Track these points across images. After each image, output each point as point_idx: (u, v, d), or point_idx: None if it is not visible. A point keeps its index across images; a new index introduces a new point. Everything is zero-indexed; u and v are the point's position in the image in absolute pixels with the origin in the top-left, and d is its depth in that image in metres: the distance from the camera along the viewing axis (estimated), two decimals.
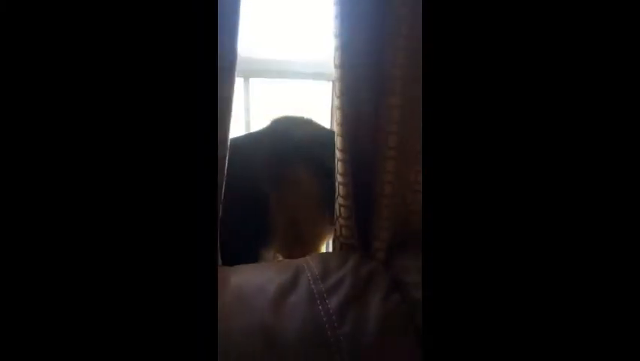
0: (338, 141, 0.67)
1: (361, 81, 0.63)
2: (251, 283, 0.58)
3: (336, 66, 0.63)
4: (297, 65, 1.00)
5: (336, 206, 0.74)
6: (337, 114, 0.65)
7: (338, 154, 0.68)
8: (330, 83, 1.10)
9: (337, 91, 0.64)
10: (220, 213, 0.63)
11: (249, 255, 0.79)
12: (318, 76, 1.06)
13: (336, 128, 0.67)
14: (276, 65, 0.97)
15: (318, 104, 1.05)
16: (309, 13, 1.08)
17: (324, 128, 0.89)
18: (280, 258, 0.83)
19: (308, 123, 0.86)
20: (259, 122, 1.00)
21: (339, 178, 0.71)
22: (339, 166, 0.69)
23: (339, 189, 0.71)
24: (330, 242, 1.13)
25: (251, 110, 0.94)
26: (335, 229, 0.78)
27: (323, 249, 0.91)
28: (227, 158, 0.62)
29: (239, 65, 0.60)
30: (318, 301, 0.56)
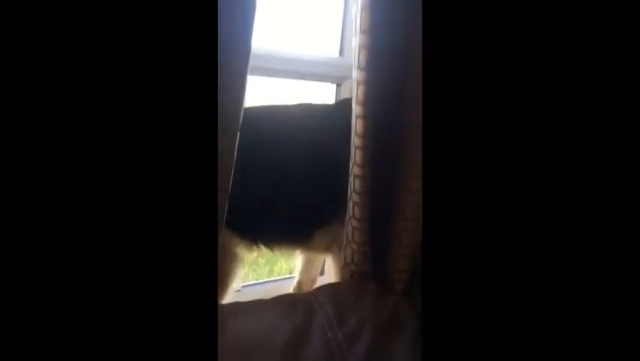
0: (357, 155, 0.57)
1: (390, 86, 0.53)
2: (253, 333, 0.47)
3: (359, 67, 0.53)
4: (298, 64, 0.89)
5: (348, 228, 0.64)
6: (359, 124, 0.55)
7: (356, 170, 0.58)
8: (335, 85, 1.01)
9: (360, 96, 0.54)
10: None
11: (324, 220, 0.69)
12: (320, 77, 0.96)
13: (355, 141, 0.57)
14: (278, 62, 0.86)
15: None
16: (309, 9, 0.98)
17: None
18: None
19: None
20: None
21: (354, 197, 0.61)
22: (355, 184, 0.59)
23: (354, 210, 0.61)
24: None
25: None
26: (344, 255, 0.68)
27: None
28: (236, 145, 0.50)
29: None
30: (338, 356, 0.46)
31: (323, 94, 1.00)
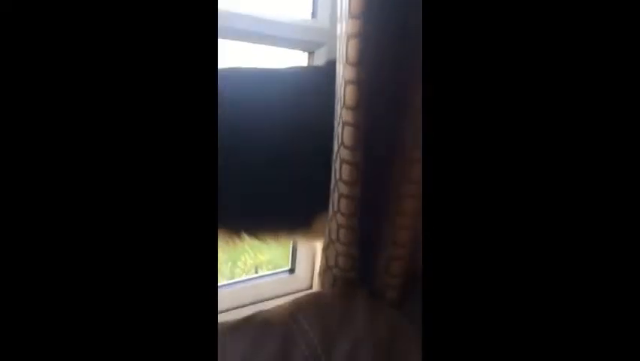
0: (346, 134, 0.44)
1: (392, 40, 0.40)
2: None
3: (351, 15, 0.40)
4: (260, 26, 0.74)
5: (332, 225, 0.52)
6: (348, 92, 0.42)
7: (344, 153, 0.46)
8: (306, 54, 0.86)
9: (352, 54, 0.41)
10: None
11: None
12: (288, 43, 0.82)
13: (343, 115, 0.44)
14: (236, 21, 0.71)
15: None
16: None
17: None
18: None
19: None
20: None
21: (340, 188, 0.48)
22: (342, 171, 0.47)
23: (340, 204, 0.49)
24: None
25: None
26: (326, 257, 0.56)
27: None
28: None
29: None
30: None
31: (292, 64, 0.86)
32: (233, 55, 0.80)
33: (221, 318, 0.77)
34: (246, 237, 0.58)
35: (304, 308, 0.45)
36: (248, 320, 0.43)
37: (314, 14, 0.82)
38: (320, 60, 0.81)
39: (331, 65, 0.69)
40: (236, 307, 0.82)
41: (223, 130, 0.50)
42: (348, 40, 0.41)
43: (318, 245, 0.73)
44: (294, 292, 0.91)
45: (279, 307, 0.47)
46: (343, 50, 0.42)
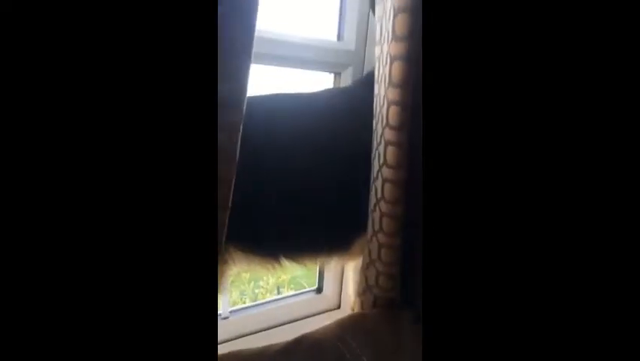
0: (389, 154, 0.45)
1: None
2: None
3: (396, 37, 0.41)
4: (287, 49, 0.76)
5: (373, 245, 0.52)
6: (393, 112, 0.43)
7: (386, 172, 0.46)
8: (332, 75, 0.88)
9: (397, 76, 0.41)
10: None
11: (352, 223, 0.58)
12: (314, 65, 0.83)
13: (386, 135, 0.44)
14: (261, 45, 0.72)
15: None
16: None
17: None
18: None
19: None
20: None
21: (382, 207, 0.48)
22: (385, 190, 0.47)
23: (382, 223, 0.49)
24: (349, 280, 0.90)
25: None
26: (365, 277, 0.55)
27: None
28: (238, 145, 0.38)
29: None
30: None
31: (318, 85, 0.87)
32: (262, 79, 0.82)
33: (256, 341, 0.77)
34: (285, 262, 0.58)
35: (351, 331, 0.45)
36: (297, 343, 0.42)
37: (340, 37, 0.84)
38: (346, 81, 0.82)
39: (359, 85, 0.70)
40: (266, 329, 0.82)
41: (262, 156, 0.51)
42: (392, 62, 0.41)
43: (349, 264, 0.73)
44: (322, 312, 0.90)
45: (325, 328, 0.46)
46: (385, 72, 0.43)
